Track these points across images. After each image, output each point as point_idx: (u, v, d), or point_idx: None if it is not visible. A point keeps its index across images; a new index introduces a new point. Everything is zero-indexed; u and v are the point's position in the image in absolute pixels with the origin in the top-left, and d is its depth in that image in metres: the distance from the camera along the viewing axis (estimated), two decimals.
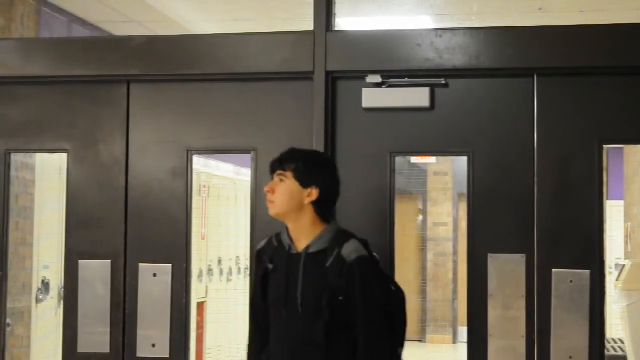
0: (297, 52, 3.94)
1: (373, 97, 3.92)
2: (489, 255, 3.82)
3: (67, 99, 4.19)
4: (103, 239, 4.09)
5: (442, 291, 13.59)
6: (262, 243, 3.41)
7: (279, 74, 4.00)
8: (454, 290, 13.57)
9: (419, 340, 13.47)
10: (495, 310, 3.80)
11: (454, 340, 13.52)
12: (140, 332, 4.04)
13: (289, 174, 3.25)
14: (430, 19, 7.07)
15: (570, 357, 3.72)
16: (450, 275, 13.59)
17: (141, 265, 4.06)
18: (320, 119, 3.91)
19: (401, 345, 3.32)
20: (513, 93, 3.87)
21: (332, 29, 3.97)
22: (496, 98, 3.89)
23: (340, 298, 3.15)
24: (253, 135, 4.02)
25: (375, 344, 3.17)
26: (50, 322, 6.12)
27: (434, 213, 13.78)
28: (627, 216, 9.22)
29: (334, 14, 4.00)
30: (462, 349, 8.24)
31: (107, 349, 4.05)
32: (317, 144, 3.87)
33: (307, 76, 3.95)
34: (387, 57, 3.88)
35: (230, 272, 8.00)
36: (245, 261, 7.95)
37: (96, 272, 4.07)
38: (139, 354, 4.04)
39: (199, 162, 7.00)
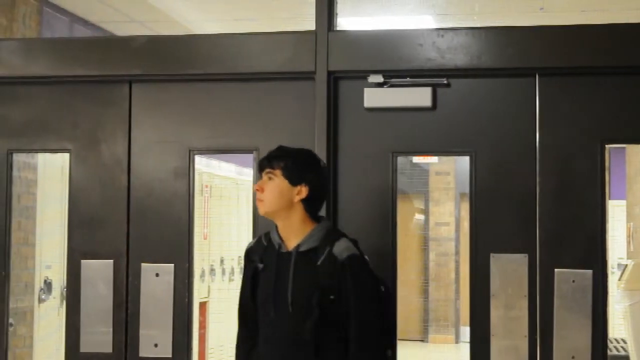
0: (299, 52, 3.94)
1: (375, 97, 3.91)
2: (492, 255, 3.81)
3: (69, 99, 4.19)
4: (105, 239, 4.09)
5: (444, 291, 13.59)
6: (252, 242, 3.40)
7: (281, 74, 4.00)
8: (457, 290, 13.56)
9: (422, 340, 13.47)
10: (497, 311, 3.79)
11: (457, 340, 13.52)
12: (143, 332, 4.04)
13: (278, 172, 3.23)
14: (432, 19, 7.07)
15: (572, 357, 3.72)
16: (453, 275, 13.59)
17: (144, 265, 4.06)
18: (322, 119, 3.90)
19: (390, 347, 3.29)
20: (515, 93, 3.87)
21: (334, 29, 3.97)
22: (498, 98, 3.89)
23: (332, 297, 3.12)
24: (255, 135, 4.02)
25: (368, 344, 3.13)
26: (53, 322, 6.12)
27: (436, 213, 13.78)
28: (630, 216, 9.21)
29: (336, 14, 4.00)
30: (464, 349, 8.23)
31: (109, 349, 4.05)
32: (319, 144, 3.87)
33: (309, 76, 3.95)
34: (389, 57, 3.88)
35: (232, 272, 8.00)
36: None
37: (99, 272, 4.08)
38: (142, 354, 4.04)
39: (201, 162, 7.01)
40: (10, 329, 4.41)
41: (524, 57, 3.80)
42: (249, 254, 3.37)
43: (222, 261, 7.75)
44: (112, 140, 4.14)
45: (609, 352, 3.82)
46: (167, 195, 4.08)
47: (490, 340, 3.79)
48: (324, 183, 3.32)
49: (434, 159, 13.06)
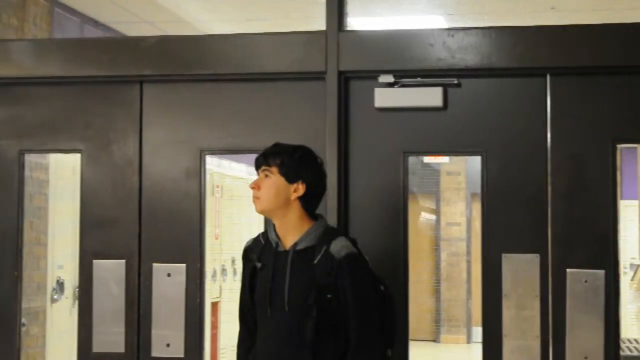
0: (310, 52, 3.94)
1: (386, 97, 3.91)
2: (503, 255, 3.81)
3: (80, 99, 4.20)
4: (117, 239, 4.10)
5: (456, 291, 13.57)
6: (250, 241, 3.35)
7: (291, 74, 4.00)
8: (468, 291, 13.54)
9: (433, 341, 13.46)
10: (509, 311, 3.79)
11: (469, 340, 13.50)
12: (155, 332, 4.04)
13: (274, 169, 3.19)
14: (443, 19, 7.06)
15: (585, 357, 3.71)
16: (464, 275, 13.57)
17: (155, 265, 4.07)
18: (333, 119, 3.90)
19: (391, 347, 3.24)
20: (526, 92, 3.86)
21: (345, 29, 3.97)
22: (509, 98, 3.88)
23: (329, 296, 3.08)
24: (266, 135, 4.01)
25: (367, 344, 3.09)
26: (65, 322, 6.14)
27: (447, 213, 13.76)
28: None
29: (346, 14, 4.00)
30: (476, 350, 8.22)
31: (122, 349, 4.06)
32: (330, 145, 3.87)
33: (319, 76, 3.95)
34: (400, 57, 3.87)
35: None
36: None
37: (111, 272, 4.09)
38: (154, 354, 4.04)
39: (212, 163, 7.02)
40: (23, 329, 4.43)
41: (535, 56, 3.79)
42: (247, 253, 3.32)
43: (233, 261, 7.76)
44: (123, 140, 4.15)
45: (621, 353, 3.82)
46: (178, 195, 4.09)
47: (502, 340, 3.78)
48: (321, 180, 3.25)
49: (445, 159, 13.05)
